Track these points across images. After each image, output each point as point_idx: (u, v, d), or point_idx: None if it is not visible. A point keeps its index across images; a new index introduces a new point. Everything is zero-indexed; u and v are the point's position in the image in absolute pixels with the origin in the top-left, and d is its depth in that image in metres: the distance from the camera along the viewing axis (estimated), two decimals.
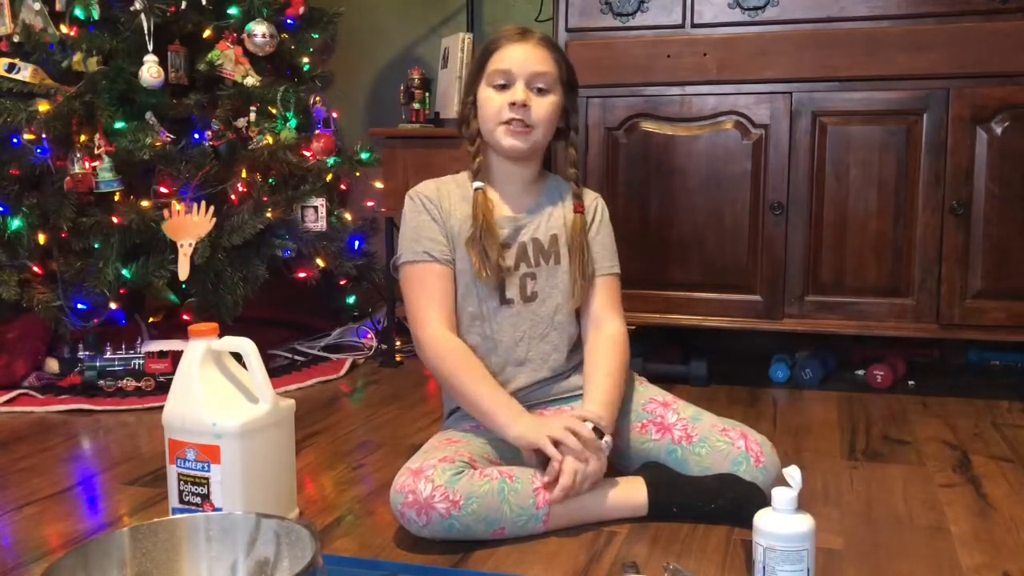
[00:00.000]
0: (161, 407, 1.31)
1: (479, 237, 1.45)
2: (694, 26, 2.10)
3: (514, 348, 1.49)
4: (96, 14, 2.25)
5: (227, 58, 2.41)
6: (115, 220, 2.17)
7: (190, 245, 2.18)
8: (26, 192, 2.24)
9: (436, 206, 1.50)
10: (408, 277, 1.49)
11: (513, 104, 1.44)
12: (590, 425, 1.36)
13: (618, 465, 1.49)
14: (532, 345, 1.50)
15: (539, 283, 1.51)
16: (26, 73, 2.21)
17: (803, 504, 1.12)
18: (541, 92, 1.47)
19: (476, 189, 1.49)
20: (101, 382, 2.19)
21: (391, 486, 1.30)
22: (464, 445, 1.38)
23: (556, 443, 1.33)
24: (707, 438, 1.42)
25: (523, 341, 1.49)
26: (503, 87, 1.47)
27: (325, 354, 2.60)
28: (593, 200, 1.59)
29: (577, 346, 1.55)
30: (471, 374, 1.43)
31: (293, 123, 2.49)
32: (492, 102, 1.47)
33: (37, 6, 2.25)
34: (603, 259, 1.56)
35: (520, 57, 1.46)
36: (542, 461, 1.47)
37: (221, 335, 1.33)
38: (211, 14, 2.47)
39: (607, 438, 1.37)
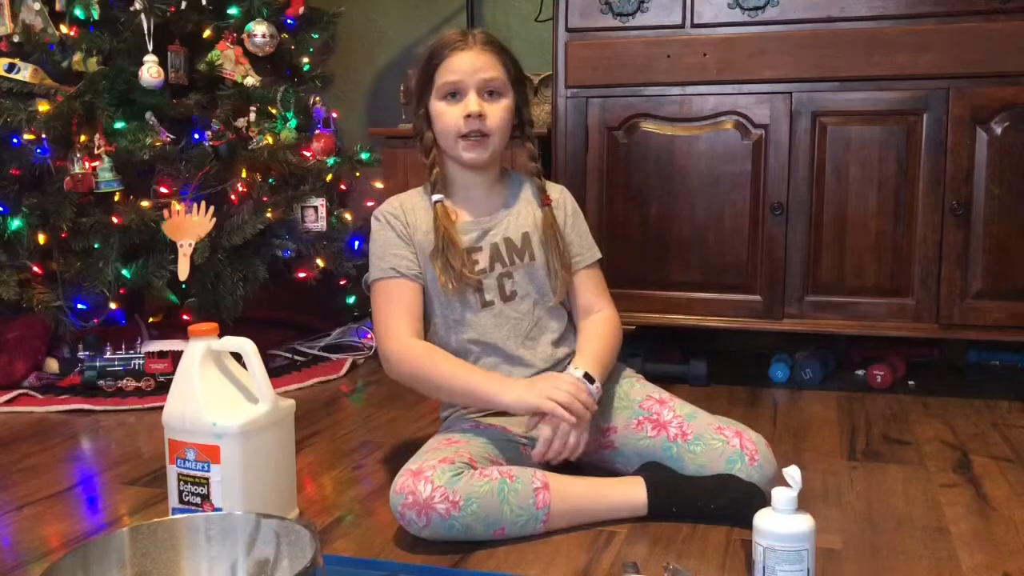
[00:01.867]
0: (161, 407, 1.31)
1: (441, 249, 1.46)
2: (694, 26, 2.10)
3: (503, 348, 1.50)
4: (96, 14, 2.24)
5: (227, 58, 2.41)
6: (115, 220, 2.17)
7: (190, 245, 2.18)
8: (26, 192, 2.23)
9: (401, 221, 1.51)
10: (376, 294, 1.51)
11: (468, 116, 1.45)
12: (580, 372, 1.41)
13: (616, 464, 1.50)
14: (520, 342, 1.51)
15: (516, 281, 1.52)
16: (26, 73, 2.21)
17: (803, 504, 1.12)
18: (492, 96, 1.48)
19: (435, 202, 1.50)
20: (101, 382, 2.19)
21: (391, 487, 1.30)
22: (464, 446, 1.38)
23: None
24: (702, 436, 1.42)
25: (511, 339, 1.50)
26: (454, 97, 1.47)
27: (325, 354, 2.59)
28: (559, 193, 1.61)
29: (565, 338, 1.56)
30: (443, 364, 1.44)
31: (293, 123, 2.49)
32: (446, 115, 1.48)
33: (37, 6, 2.25)
34: (583, 249, 1.58)
35: (468, 66, 1.46)
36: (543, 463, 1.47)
37: (221, 335, 1.33)
38: (211, 14, 2.47)
39: (596, 385, 1.42)
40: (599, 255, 1.60)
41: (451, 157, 1.52)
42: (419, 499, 1.25)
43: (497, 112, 1.48)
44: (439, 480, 1.26)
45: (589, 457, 1.51)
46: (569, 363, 1.54)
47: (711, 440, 1.41)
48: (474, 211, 1.54)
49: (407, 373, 1.46)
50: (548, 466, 1.45)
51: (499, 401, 1.40)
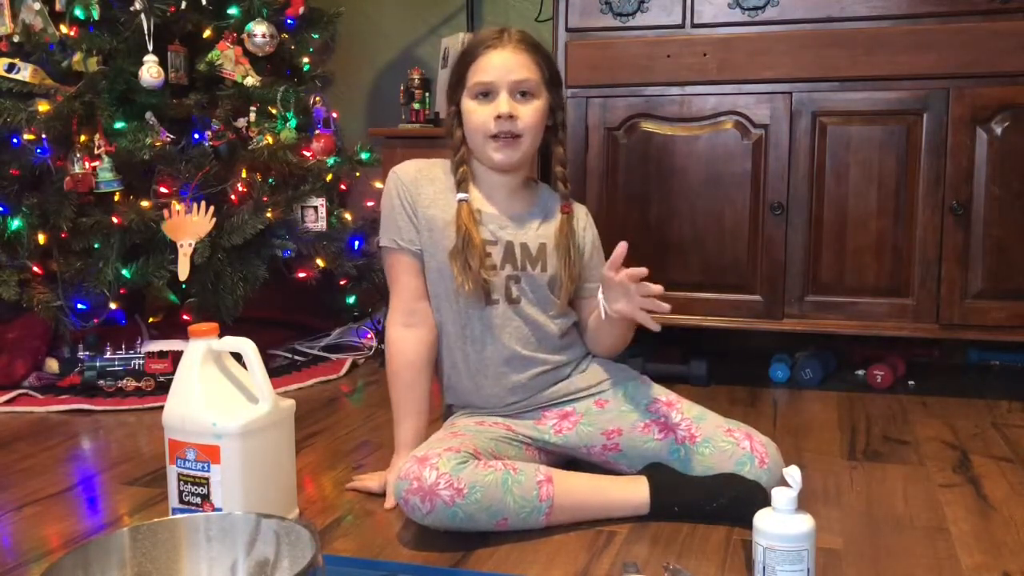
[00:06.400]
0: (161, 407, 1.31)
1: (461, 249, 1.45)
2: (694, 26, 2.10)
3: (504, 345, 1.49)
4: (96, 14, 2.24)
5: (227, 58, 2.41)
6: (115, 220, 2.17)
7: (190, 245, 2.18)
8: (26, 192, 2.23)
9: (409, 193, 1.51)
10: (385, 262, 1.56)
11: (499, 117, 1.44)
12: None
13: (621, 466, 1.49)
14: (521, 342, 1.50)
15: (523, 286, 1.50)
16: (26, 73, 2.21)
17: (803, 504, 1.12)
18: (525, 97, 1.46)
19: (460, 201, 1.48)
20: (101, 382, 2.19)
21: (395, 475, 1.30)
22: (469, 439, 1.38)
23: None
24: (711, 438, 1.42)
25: (511, 338, 1.49)
26: (485, 97, 1.46)
27: (325, 354, 2.60)
28: (585, 216, 1.59)
29: (564, 347, 1.54)
30: (396, 382, 1.53)
31: (293, 123, 2.48)
32: (476, 115, 1.46)
33: (37, 6, 2.25)
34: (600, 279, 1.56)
35: (500, 66, 1.44)
36: (545, 459, 1.47)
37: (221, 335, 1.33)
38: (211, 14, 2.47)
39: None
40: None
41: (480, 159, 1.51)
42: (424, 485, 1.25)
43: (529, 113, 1.46)
44: (444, 467, 1.26)
45: (594, 459, 1.51)
46: (571, 374, 1.54)
47: (721, 442, 1.41)
48: (495, 207, 1.52)
49: (386, 361, 1.55)
50: (550, 464, 1.45)
51: (394, 457, 1.50)
